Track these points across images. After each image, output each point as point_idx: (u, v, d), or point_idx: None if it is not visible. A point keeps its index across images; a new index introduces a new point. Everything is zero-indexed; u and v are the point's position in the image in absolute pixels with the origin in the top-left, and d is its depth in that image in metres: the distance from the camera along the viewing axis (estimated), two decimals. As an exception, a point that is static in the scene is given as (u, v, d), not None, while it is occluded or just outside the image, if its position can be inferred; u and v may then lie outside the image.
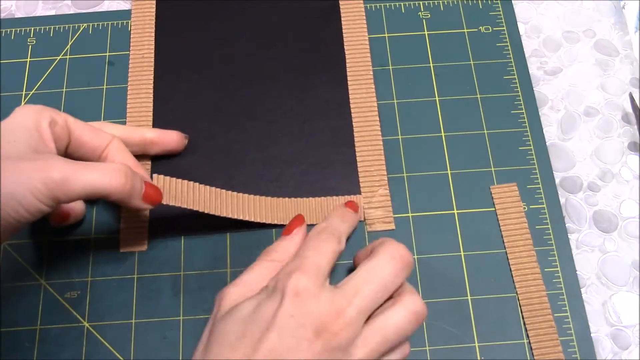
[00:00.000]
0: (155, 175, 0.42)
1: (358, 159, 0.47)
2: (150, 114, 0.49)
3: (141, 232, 0.45)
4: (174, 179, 0.42)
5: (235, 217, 0.43)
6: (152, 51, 0.51)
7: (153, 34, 0.52)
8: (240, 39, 0.52)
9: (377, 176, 0.47)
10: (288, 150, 0.48)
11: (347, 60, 0.51)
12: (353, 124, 0.48)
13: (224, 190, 0.44)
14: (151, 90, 0.50)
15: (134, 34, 0.52)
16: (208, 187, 0.43)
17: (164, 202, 0.41)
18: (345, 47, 0.51)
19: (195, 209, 0.42)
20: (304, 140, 0.48)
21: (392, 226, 0.45)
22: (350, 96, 0.49)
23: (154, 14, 0.53)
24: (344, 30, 0.52)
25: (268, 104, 0.49)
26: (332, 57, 0.51)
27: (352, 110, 0.49)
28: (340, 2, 0.53)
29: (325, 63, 0.51)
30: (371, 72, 0.50)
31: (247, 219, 0.44)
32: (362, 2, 0.53)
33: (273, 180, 0.47)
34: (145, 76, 0.50)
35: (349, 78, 0.50)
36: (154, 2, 0.53)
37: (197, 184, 0.43)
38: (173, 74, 0.50)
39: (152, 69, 0.50)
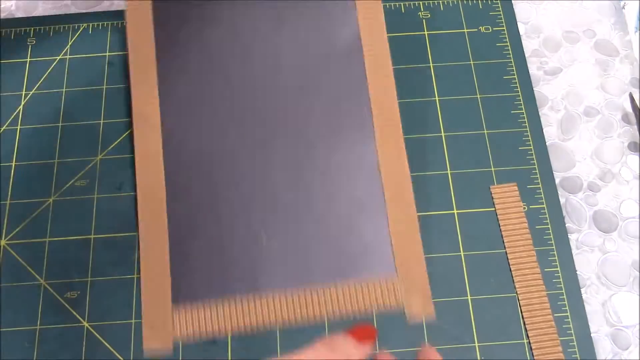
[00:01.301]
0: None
1: (391, 231, 0.43)
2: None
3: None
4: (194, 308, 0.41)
5: (265, 323, 0.42)
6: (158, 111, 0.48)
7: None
8: (256, 89, 0.48)
9: (411, 253, 0.43)
10: (316, 224, 0.44)
11: (374, 117, 0.46)
12: (384, 190, 0.44)
13: (246, 299, 0.42)
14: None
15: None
16: (228, 303, 0.42)
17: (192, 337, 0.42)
18: (371, 102, 0.47)
19: (224, 331, 0.42)
20: (333, 208, 0.44)
21: (433, 315, 0.42)
22: (380, 158, 0.45)
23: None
24: (368, 79, 0.48)
25: (291, 168, 0.45)
26: (356, 111, 0.47)
27: (383, 175, 0.45)
28: (362, 42, 0.49)
29: (350, 118, 0.46)
30: (401, 132, 0.46)
31: (276, 322, 0.42)
32: (386, 41, 0.49)
33: (301, 259, 0.43)
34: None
35: (377, 138, 0.46)
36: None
37: (217, 304, 0.42)
38: (182, 132, 0.47)
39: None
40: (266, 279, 0.42)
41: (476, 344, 0.42)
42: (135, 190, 0.47)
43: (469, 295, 0.44)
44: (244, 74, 0.48)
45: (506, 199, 0.46)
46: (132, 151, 0.48)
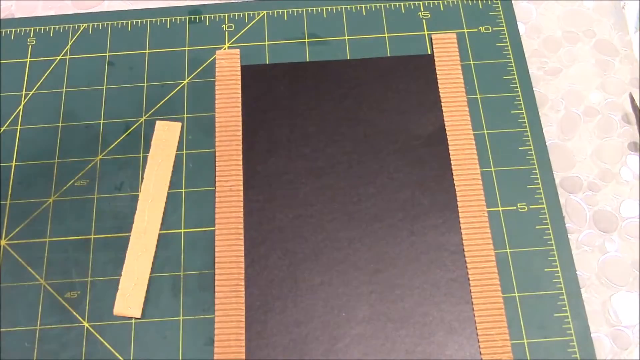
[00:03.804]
0: None
1: (476, 314, 0.42)
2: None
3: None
4: None
5: None
6: (240, 184, 0.47)
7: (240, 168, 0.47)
8: (338, 170, 0.47)
9: (499, 341, 0.42)
10: (397, 306, 0.43)
11: (459, 199, 0.46)
12: (469, 275, 0.43)
13: None
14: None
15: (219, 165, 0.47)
16: None
17: None
18: (455, 182, 0.46)
19: None
20: (416, 294, 0.43)
21: None
22: (464, 241, 0.44)
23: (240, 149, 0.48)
24: (452, 163, 0.47)
25: (374, 250, 0.45)
26: (442, 194, 0.46)
27: (467, 259, 0.44)
28: (447, 129, 0.48)
29: (435, 200, 0.46)
30: (486, 215, 0.45)
31: None
32: (471, 130, 0.48)
33: (380, 344, 0.42)
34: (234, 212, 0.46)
35: (461, 220, 0.45)
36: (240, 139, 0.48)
37: None
38: (262, 208, 0.46)
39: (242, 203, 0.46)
40: (344, 357, 0.42)
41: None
42: (138, 191, 0.47)
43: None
44: (329, 154, 0.47)
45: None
46: (132, 152, 0.48)
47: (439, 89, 0.49)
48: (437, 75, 0.50)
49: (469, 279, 0.43)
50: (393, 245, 0.45)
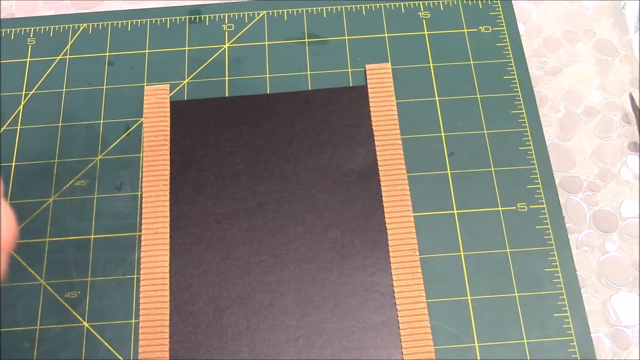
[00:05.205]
0: None
1: (405, 358, 0.42)
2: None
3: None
4: None
5: None
6: (167, 226, 0.45)
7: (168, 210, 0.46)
8: (267, 210, 0.46)
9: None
10: (325, 352, 0.42)
11: (390, 238, 0.45)
12: (398, 317, 0.43)
13: None
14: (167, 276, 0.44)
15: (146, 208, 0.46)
16: None
17: None
18: (386, 220, 0.45)
19: None
20: (345, 338, 0.42)
21: None
22: (394, 282, 0.43)
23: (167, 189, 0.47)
24: (384, 200, 0.46)
25: (302, 292, 0.43)
26: (373, 233, 0.45)
27: (397, 301, 0.43)
28: (379, 164, 0.47)
29: (365, 239, 0.45)
30: (417, 255, 0.44)
31: None
32: (403, 165, 0.47)
33: None
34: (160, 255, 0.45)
35: (391, 260, 0.44)
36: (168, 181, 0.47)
37: None
38: (188, 251, 0.45)
39: (168, 246, 0.45)
40: None
41: (476, 344, 0.42)
42: (138, 191, 0.47)
43: (469, 295, 0.44)
44: (258, 193, 0.46)
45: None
46: (132, 152, 0.48)
47: (372, 122, 0.48)
48: (370, 108, 0.49)
49: (398, 321, 0.43)
50: (322, 288, 0.43)
